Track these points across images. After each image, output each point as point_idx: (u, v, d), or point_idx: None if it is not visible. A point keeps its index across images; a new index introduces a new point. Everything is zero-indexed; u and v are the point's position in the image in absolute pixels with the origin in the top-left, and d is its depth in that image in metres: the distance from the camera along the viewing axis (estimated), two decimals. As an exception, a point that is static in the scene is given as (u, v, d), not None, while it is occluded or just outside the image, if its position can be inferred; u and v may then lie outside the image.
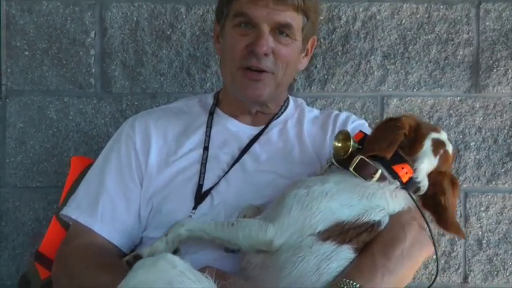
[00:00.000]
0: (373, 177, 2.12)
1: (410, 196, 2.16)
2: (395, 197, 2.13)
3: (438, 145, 2.22)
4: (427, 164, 2.18)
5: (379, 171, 2.12)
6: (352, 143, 2.17)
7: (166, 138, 2.45)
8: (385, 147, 2.14)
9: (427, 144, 2.20)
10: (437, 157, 2.21)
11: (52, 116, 2.94)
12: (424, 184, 2.18)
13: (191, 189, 2.35)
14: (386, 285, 2.03)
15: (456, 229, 2.23)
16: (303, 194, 2.09)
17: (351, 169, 2.13)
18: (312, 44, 2.57)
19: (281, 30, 2.37)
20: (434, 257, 2.22)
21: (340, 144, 2.20)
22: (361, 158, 2.13)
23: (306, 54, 2.56)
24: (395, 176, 2.13)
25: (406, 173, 2.14)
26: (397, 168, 2.13)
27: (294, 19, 2.38)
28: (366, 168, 2.13)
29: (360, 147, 2.18)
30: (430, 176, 2.19)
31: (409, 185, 2.15)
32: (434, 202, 2.20)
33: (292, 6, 2.36)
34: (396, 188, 2.13)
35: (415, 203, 2.17)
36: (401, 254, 2.09)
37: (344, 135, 2.21)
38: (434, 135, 2.22)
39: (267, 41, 2.34)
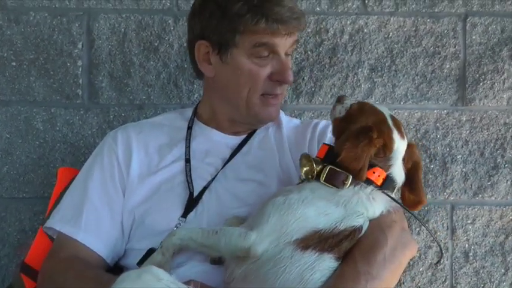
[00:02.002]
0: (344, 183, 2.11)
1: (389, 196, 2.16)
2: (374, 200, 2.13)
3: (397, 123, 2.21)
4: (401, 150, 2.18)
5: (350, 176, 2.11)
6: (315, 165, 2.16)
7: (148, 150, 2.46)
8: (358, 171, 2.10)
9: (395, 135, 2.18)
10: (404, 135, 2.21)
11: (39, 126, 2.93)
12: (401, 175, 2.19)
13: (174, 200, 2.36)
14: None
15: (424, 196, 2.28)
16: (280, 201, 2.11)
17: (322, 180, 2.13)
18: None
19: (290, 50, 2.45)
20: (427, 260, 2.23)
21: (307, 168, 2.18)
22: (330, 167, 2.13)
23: None
24: (369, 182, 2.13)
25: (379, 175, 2.14)
26: (368, 174, 2.13)
27: (296, 37, 2.46)
28: (336, 176, 2.12)
29: (325, 162, 2.17)
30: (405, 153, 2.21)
31: (386, 185, 2.15)
32: (410, 176, 2.22)
33: (302, 30, 2.47)
34: (372, 190, 2.13)
35: (396, 201, 2.17)
36: (383, 258, 2.09)
37: (306, 159, 2.19)
38: (389, 117, 2.20)
39: (290, 69, 2.42)
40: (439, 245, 2.42)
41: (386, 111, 2.21)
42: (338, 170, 2.12)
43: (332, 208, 2.10)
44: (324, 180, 2.12)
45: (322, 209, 2.09)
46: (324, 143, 2.26)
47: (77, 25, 2.94)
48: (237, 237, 2.06)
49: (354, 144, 2.10)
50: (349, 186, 2.11)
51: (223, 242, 2.08)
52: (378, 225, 2.14)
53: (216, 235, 2.10)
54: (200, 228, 2.17)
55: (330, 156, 2.17)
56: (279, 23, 2.34)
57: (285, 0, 2.37)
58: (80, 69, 2.95)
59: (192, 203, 2.34)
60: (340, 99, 2.28)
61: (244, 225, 2.14)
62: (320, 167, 2.15)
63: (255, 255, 2.04)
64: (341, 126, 2.22)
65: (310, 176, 2.16)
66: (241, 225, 2.15)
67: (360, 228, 2.11)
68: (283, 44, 2.39)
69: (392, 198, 2.17)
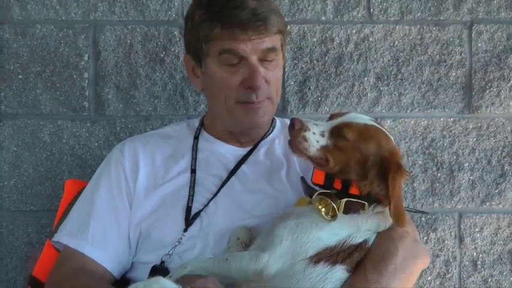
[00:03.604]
0: (363, 211, 2.11)
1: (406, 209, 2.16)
2: (383, 215, 2.14)
3: (383, 126, 2.22)
4: None
5: (366, 204, 2.10)
6: (334, 205, 2.10)
7: (154, 162, 2.45)
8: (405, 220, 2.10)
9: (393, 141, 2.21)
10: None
11: (46, 139, 2.94)
12: None
13: (180, 213, 2.34)
14: None
15: None
16: (293, 225, 2.10)
17: (341, 213, 2.10)
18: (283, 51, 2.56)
19: (268, 56, 2.35)
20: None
21: (325, 209, 2.12)
22: (346, 201, 2.11)
23: None
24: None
25: None
26: (382, 198, 2.12)
27: (276, 41, 2.37)
28: (354, 207, 2.11)
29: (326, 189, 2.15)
30: None
31: None
32: None
33: (272, 32, 2.34)
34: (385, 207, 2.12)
35: (407, 209, 2.19)
36: (394, 268, 2.09)
37: (319, 201, 2.13)
38: (382, 128, 2.20)
39: (261, 74, 2.33)
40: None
41: (374, 123, 2.20)
42: (354, 200, 2.11)
43: (345, 229, 2.10)
44: (343, 213, 2.10)
45: (336, 230, 2.09)
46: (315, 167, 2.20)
47: (83, 37, 2.95)
48: (248, 261, 2.06)
49: (393, 185, 2.07)
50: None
51: (235, 267, 2.07)
52: (389, 235, 2.14)
53: (226, 262, 2.09)
54: (210, 258, 2.17)
55: (330, 182, 2.14)
56: (235, 27, 2.28)
57: (247, 2, 2.29)
58: (87, 81, 2.95)
59: (190, 216, 2.33)
60: (302, 126, 2.15)
61: (253, 247, 2.14)
62: (338, 207, 2.11)
63: (268, 277, 2.04)
64: (341, 157, 2.14)
65: (330, 215, 2.11)
66: (249, 248, 2.15)
67: (366, 241, 2.12)
68: (251, 49, 2.31)
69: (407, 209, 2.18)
